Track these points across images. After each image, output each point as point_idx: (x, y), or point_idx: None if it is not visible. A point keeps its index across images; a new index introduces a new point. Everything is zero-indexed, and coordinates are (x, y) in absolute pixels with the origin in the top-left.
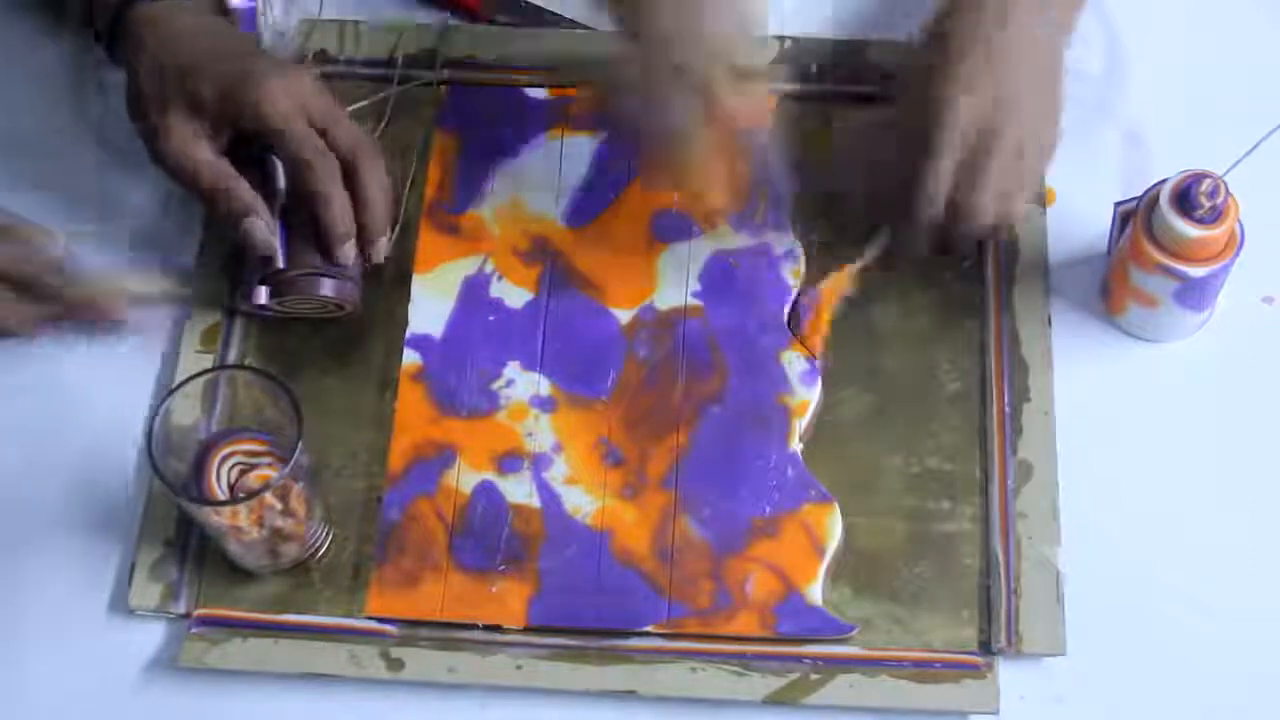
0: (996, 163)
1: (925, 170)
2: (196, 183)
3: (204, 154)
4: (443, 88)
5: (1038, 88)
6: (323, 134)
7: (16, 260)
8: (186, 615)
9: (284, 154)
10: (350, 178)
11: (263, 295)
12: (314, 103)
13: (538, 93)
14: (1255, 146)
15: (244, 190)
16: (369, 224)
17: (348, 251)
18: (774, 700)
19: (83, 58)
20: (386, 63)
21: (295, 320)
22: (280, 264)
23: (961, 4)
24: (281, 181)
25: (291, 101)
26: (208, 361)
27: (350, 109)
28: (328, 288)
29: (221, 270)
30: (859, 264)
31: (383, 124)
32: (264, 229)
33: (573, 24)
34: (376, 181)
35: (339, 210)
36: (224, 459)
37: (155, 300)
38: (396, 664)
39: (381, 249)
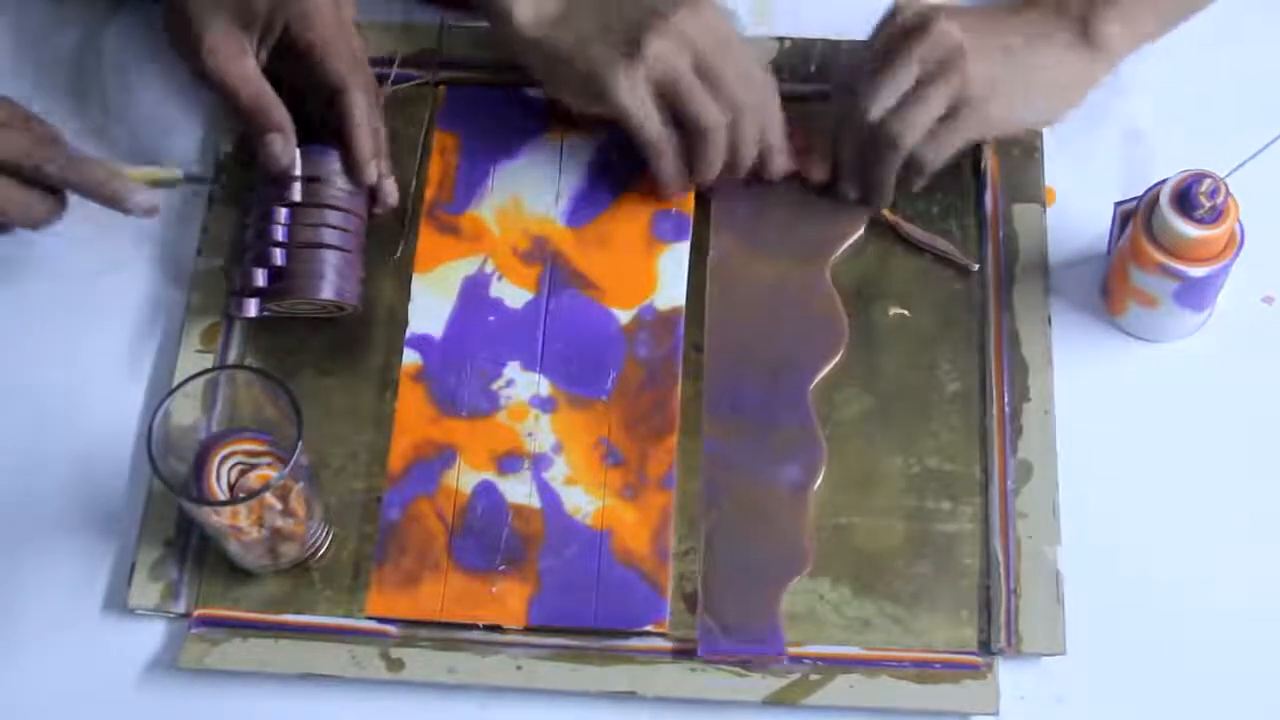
0: (936, 94)
1: (861, 57)
2: (236, 99)
3: (246, 70)
4: (442, 88)
5: (1029, 69)
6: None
7: (19, 149)
8: (186, 615)
9: (324, 66)
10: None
11: (251, 309)
12: (353, 23)
13: (538, 93)
14: (1260, 152)
15: (277, 110)
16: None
17: (373, 170)
18: (774, 701)
19: (85, 56)
20: (387, 62)
21: (295, 320)
22: (295, 186)
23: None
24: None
25: (336, 16)
26: (208, 361)
27: None
28: (328, 290)
29: (221, 270)
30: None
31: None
32: (281, 143)
33: None
34: (378, 118)
35: (369, 129)
36: (224, 459)
37: (157, 185)
38: (396, 664)
39: (391, 190)
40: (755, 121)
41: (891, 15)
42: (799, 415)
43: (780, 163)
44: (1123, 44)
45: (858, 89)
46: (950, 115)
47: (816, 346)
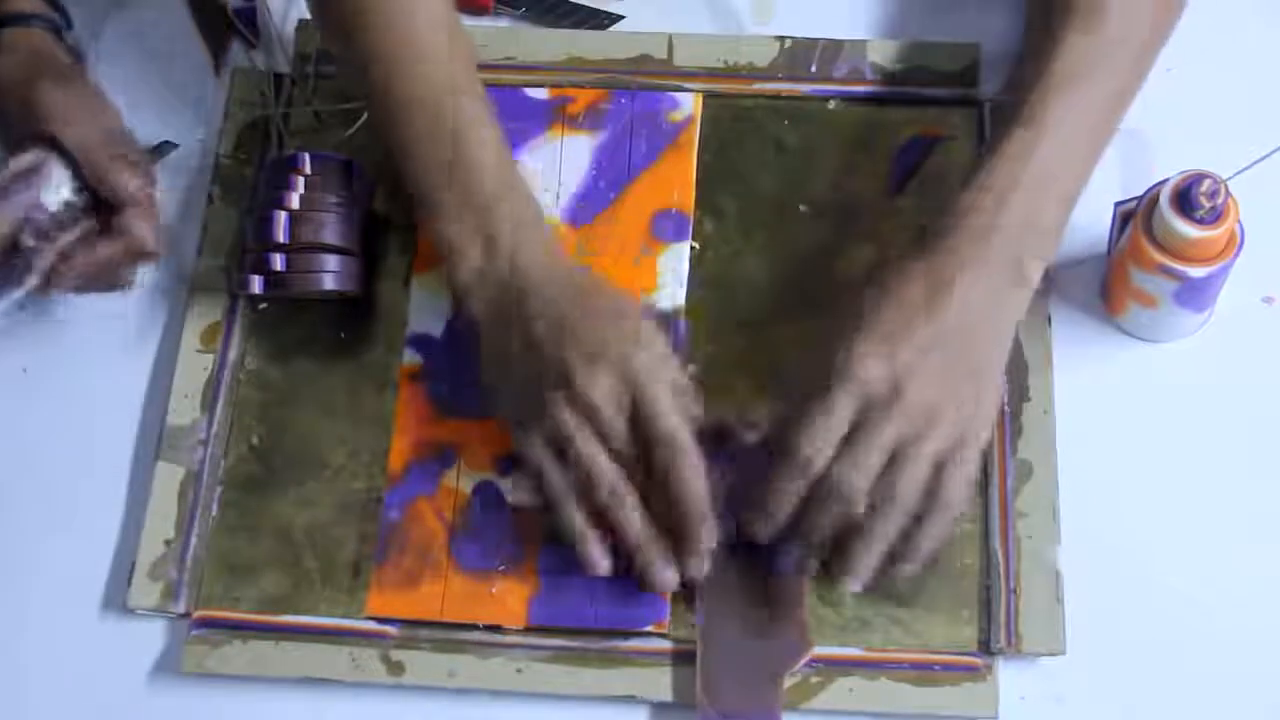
0: (923, 458)
1: (791, 430)
2: None
3: None
4: None
5: (977, 381)
6: None
7: None
8: (185, 615)
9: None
10: None
11: (256, 285)
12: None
13: (538, 93)
14: (1265, 157)
15: None
16: None
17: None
18: None
19: (82, 58)
20: None
21: (296, 320)
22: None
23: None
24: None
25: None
26: (208, 361)
27: (347, 106)
28: (329, 281)
29: (221, 270)
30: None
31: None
32: None
33: (583, 8)
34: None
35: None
36: None
37: None
38: (397, 667)
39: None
40: (663, 490)
41: (846, 379)
42: None
43: (700, 536)
44: (1041, 270)
45: (821, 466)
46: (939, 466)
47: None
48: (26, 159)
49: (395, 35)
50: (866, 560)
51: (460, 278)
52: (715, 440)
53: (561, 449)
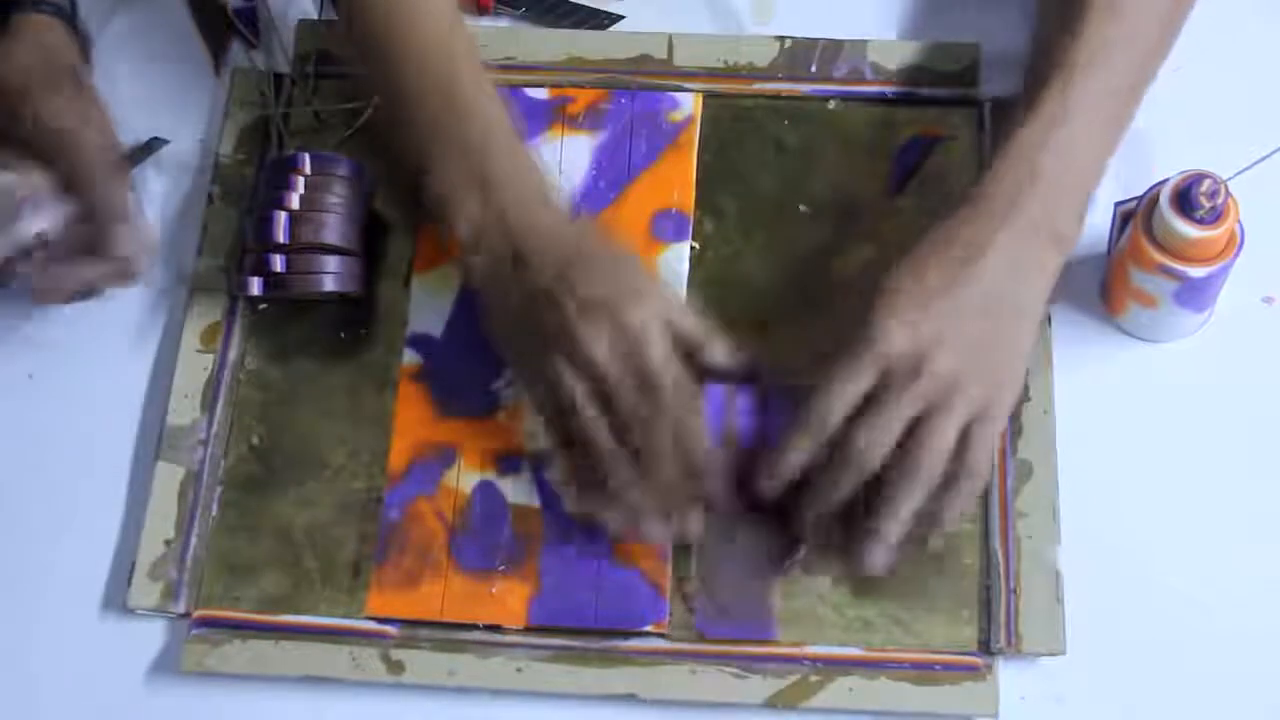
0: (948, 425)
1: (814, 394)
2: None
3: None
4: None
5: (1004, 350)
6: None
7: None
8: (185, 615)
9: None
10: None
11: (256, 286)
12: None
13: (538, 93)
14: (1264, 157)
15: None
16: None
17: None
18: (774, 703)
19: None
20: None
21: (296, 320)
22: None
23: (932, 237)
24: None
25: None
26: (208, 361)
27: (347, 106)
28: (330, 283)
29: (221, 270)
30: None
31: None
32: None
33: (583, 8)
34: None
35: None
36: None
37: None
38: (397, 666)
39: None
40: (665, 446)
41: (868, 348)
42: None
43: (694, 486)
44: (1078, 227)
45: (833, 429)
46: (963, 434)
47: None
48: (13, 179)
49: (400, 30)
50: (890, 529)
51: (461, 237)
52: (747, 383)
53: (565, 406)
